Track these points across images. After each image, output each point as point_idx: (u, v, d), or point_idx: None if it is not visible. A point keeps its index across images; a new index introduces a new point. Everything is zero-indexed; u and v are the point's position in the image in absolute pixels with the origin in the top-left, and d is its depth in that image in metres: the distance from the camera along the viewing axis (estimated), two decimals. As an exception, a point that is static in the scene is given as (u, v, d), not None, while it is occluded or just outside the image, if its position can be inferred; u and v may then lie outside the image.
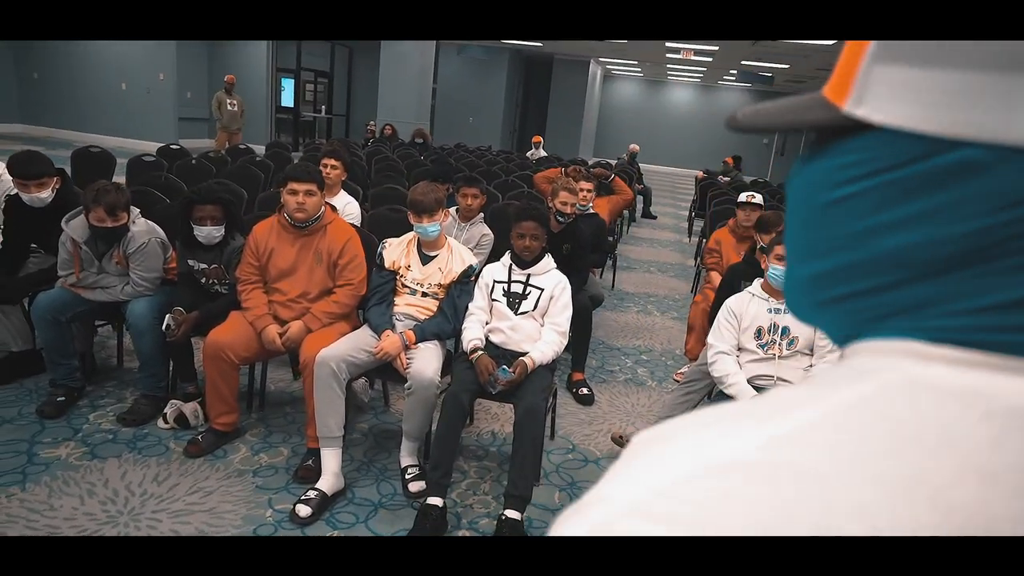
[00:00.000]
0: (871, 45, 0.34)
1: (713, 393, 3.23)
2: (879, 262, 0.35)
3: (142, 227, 2.95)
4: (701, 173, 10.79)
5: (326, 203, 2.93)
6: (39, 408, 2.86)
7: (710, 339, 2.78)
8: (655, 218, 10.84)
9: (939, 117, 0.31)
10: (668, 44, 12.91)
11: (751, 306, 2.70)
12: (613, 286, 6.13)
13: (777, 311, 2.66)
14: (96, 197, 2.74)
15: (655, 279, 6.77)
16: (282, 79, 15.95)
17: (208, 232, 2.86)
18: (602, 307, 5.08)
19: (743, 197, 4.31)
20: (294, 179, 2.74)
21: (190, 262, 2.97)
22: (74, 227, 2.87)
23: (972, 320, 0.33)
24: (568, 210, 3.65)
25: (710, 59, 14.60)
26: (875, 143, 0.34)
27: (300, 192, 2.74)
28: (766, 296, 2.71)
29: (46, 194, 3.02)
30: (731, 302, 2.75)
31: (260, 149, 8.58)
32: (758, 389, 2.54)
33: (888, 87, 0.33)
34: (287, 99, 16.26)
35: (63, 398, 2.90)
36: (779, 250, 2.65)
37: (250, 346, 2.74)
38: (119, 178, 5.12)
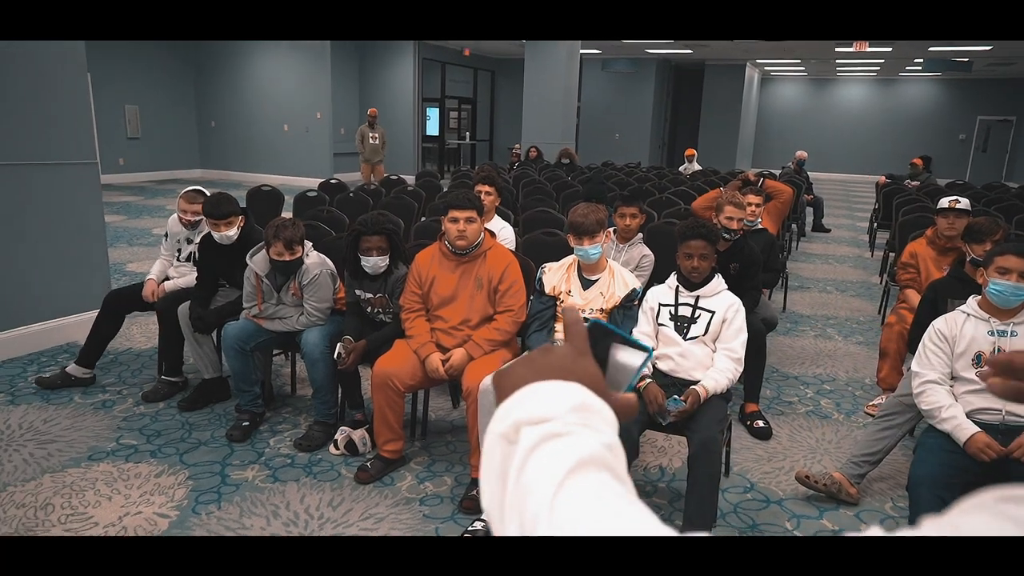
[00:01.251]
0: None
1: (915, 429, 2.96)
2: None
3: (315, 259, 3.24)
4: (883, 178, 10.00)
5: (486, 229, 3.05)
6: (228, 432, 3.21)
7: (915, 367, 2.55)
8: (829, 231, 10.18)
9: None
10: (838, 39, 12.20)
11: (967, 328, 2.45)
12: (785, 308, 5.82)
13: (1002, 333, 2.40)
14: (276, 233, 3.05)
15: (833, 299, 6.34)
16: (427, 108, 16.93)
17: (375, 262, 3.08)
18: (774, 331, 4.84)
19: (944, 203, 3.94)
20: (455, 207, 2.89)
21: (357, 292, 3.21)
22: (257, 262, 3.21)
23: None
24: (735, 226, 3.53)
25: (889, 49, 13.57)
26: None
27: (461, 220, 2.88)
28: (986, 316, 2.44)
29: (233, 232, 3.40)
30: (940, 324, 2.51)
31: (410, 179, 9.14)
32: (980, 425, 2.29)
33: None
34: (432, 128, 17.21)
35: (248, 423, 3.23)
36: (1003, 261, 2.39)
37: (415, 374, 2.90)
38: (287, 213, 5.68)
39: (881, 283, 6.61)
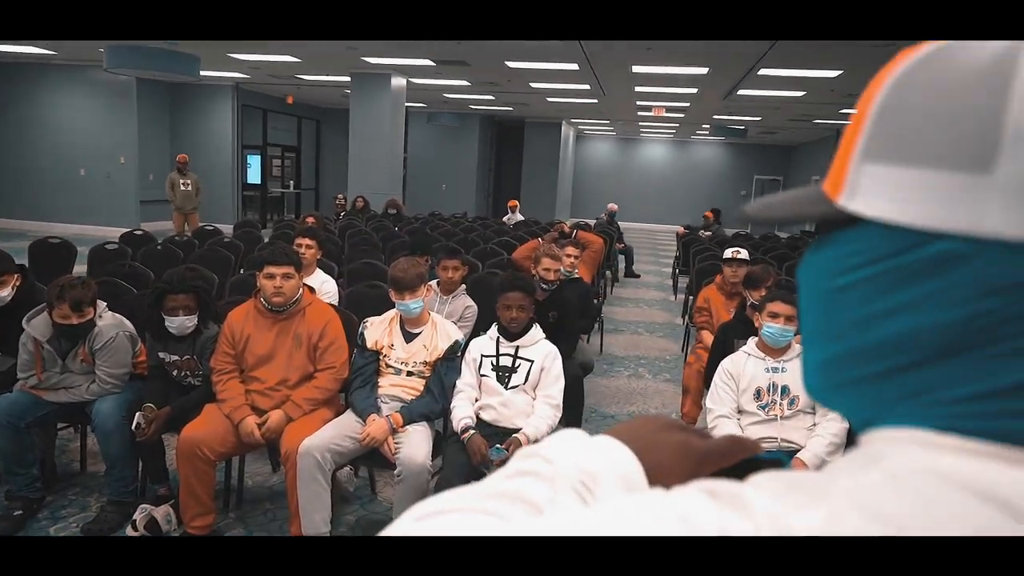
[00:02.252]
0: (859, 143, 0.38)
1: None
2: (883, 346, 0.38)
3: (109, 321, 2.92)
4: (682, 229, 11.02)
5: (304, 285, 2.93)
6: (-4, 524, 2.75)
7: (708, 403, 2.78)
8: (639, 276, 10.97)
9: (921, 212, 0.35)
10: (639, 103, 13.39)
11: (748, 366, 2.72)
12: (601, 350, 6.14)
13: (775, 370, 2.69)
14: (60, 293, 2.71)
15: (644, 340, 6.80)
16: (248, 156, 16.20)
17: (180, 323, 2.84)
18: (592, 373, 5.07)
19: (728, 253, 4.40)
20: (271, 262, 2.76)
21: (161, 355, 2.93)
22: (36, 326, 2.83)
23: (973, 407, 0.36)
24: (552, 276, 3.70)
25: (682, 115, 15.12)
26: (869, 235, 0.38)
27: (278, 275, 2.75)
28: (762, 355, 2.73)
29: (5, 292, 2.99)
30: (727, 363, 2.77)
31: (228, 229, 8.63)
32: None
33: (876, 183, 0.37)
34: (254, 176, 16.47)
35: (20, 511, 2.80)
36: (773, 307, 2.69)
37: (227, 440, 2.69)
38: (80, 268, 5.12)
39: (683, 324, 7.21)
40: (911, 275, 0.36)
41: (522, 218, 11.40)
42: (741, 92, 10.98)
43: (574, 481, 0.44)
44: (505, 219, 11.42)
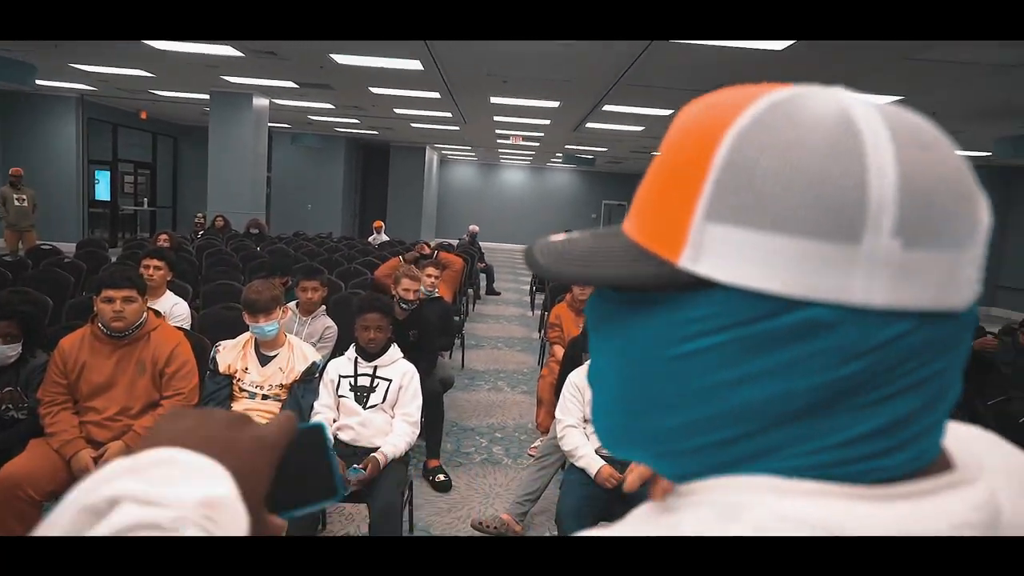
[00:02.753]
0: (701, 202, 0.34)
1: (566, 465, 3.28)
2: (733, 415, 0.35)
3: (-84, 351, 2.53)
4: (538, 249, 11.27)
5: (148, 308, 2.69)
6: None
7: (558, 414, 2.85)
8: (499, 294, 11.11)
9: (784, 278, 0.33)
10: (498, 131, 13.65)
11: (574, 377, 2.82)
12: (463, 365, 6.14)
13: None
14: None
15: (503, 354, 6.88)
16: (96, 171, 14.76)
17: (2, 351, 2.50)
18: (453, 388, 5.05)
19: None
20: (109, 286, 2.50)
21: (-21, 386, 2.57)
22: None
23: (821, 458, 0.35)
24: (411, 296, 3.64)
25: (537, 143, 15.59)
26: (722, 300, 0.34)
27: (117, 299, 2.49)
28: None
29: None
30: (574, 376, 2.85)
31: (71, 248, 7.80)
32: (606, 459, 2.62)
33: (728, 247, 0.34)
34: (102, 192, 15.03)
35: None
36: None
37: (56, 477, 2.38)
38: None
39: (539, 339, 7.37)
40: (770, 342, 0.34)
41: (387, 238, 11.23)
42: (589, 125, 11.50)
43: (199, 523, 0.36)
44: (371, 239, 11.19)
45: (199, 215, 10.96)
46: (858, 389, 0.34)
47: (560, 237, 0.42)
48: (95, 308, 2.54)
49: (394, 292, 3.67)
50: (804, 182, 0.32)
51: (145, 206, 16.52)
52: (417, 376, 2.85)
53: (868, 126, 0.33)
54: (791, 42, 5.41)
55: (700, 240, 0.34)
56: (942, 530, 0.32)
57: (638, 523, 0.39)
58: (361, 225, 19.21)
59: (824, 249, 0.32)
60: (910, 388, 0.34)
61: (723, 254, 0.34)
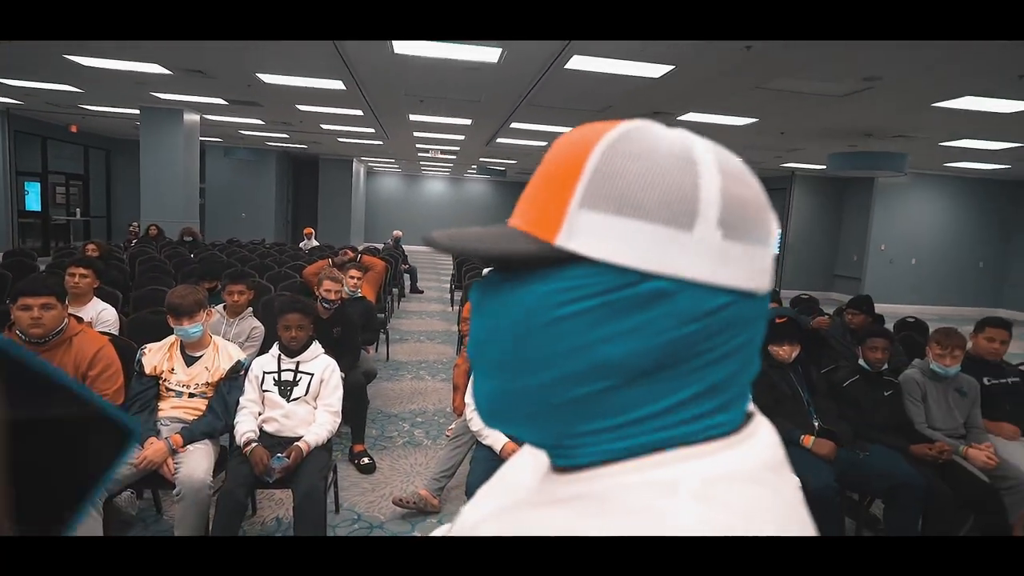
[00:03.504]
0: (575, 194, 0.38)
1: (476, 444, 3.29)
2: (598, 370, 0.38)
3: None
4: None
5: (69, 315, 2.48)
6: None
7: (467, 399, 2.84)
8: (422, 292, 10.99)
9: (639, 255, 0.37)
10: (418, 146, 13.48)
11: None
12: (388, 358, 6.03)
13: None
14: None
15: (425, 347, 6.81)
16: (26, 183, 13.51)
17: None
18: (378, 379, 4.97)
19: (485, 272, 4.56)
20: (26, 294, 2.29)
21: None
22: None
23: (670, 418, 0.39)
24: (333, 296, 3.54)
25: (454, 157, 15.50)
26: (590, 272, 0.38)
27: (35, 307, 2.29)
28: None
29: None
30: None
31: (-2, 258, 7.10)
32: (509, 437, 2.64)
33: (595, 228, 0.37)
34: (32, 203, 13.77)
35: None
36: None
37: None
38: None
39: (457, 331, 7.35)
40: (628, 307, 0.37)
41: (317, 244, 10.87)
42: (500, 140, 11.55)
43: None
44: (301, 245, 10.80)
45: (133, 224, 10.24)
46: (691, 350, 0.38)
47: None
48: (12, 316, 2.32)
49: (317, 293, 3.56)
50: (655, 181, 0.37)
51: (77, 216, 15.25)
52: (337, 369, 2.77)
53: (700, 147, 0.39)
54: (670, 68, 5.62)
55: (573, 223, 0.38)
56: (756, 466, 0.38)
57: (548, 515, 0.39)
58: (293, 232, 18.50)
59: (668, 233, 0.37)
60: (728, 355, 0.39)
61: (592, 234, 0.37)
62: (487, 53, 5.56)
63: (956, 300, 12.96)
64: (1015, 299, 12.82)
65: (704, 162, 0.38)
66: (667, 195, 0.37)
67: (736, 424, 0.40)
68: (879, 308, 4.46)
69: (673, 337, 0.38)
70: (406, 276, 10.54)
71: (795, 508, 0.38)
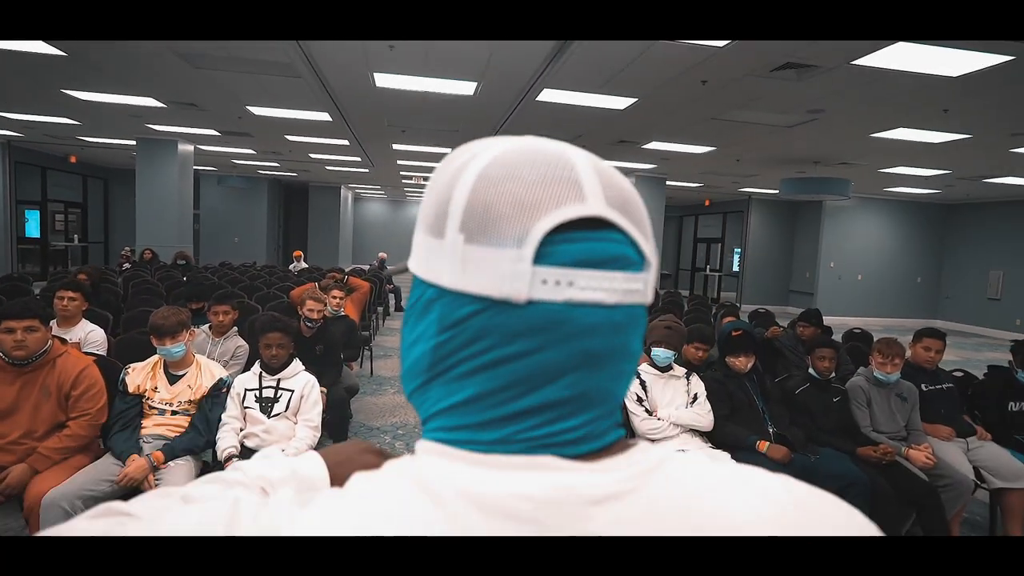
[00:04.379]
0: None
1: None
2: (413, 367, 0.40)
3: None
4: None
5: (53, 336, 2.39)
6: None
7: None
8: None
9: (420, 266, 0.39)
10: (402, 173, 13.47)
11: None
12: (372, 373, 5.94)
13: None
14: None
15: (408, 362, 6.72)
16: (26, 211, 13.20)
17: None
18: (362, 393, 4.88)
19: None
20: (9, 317, 2.21)
21: None
22: None
23: (444, 420, 0.37)
24: (315, 316, 3.48)
25: (436, 184, 15.52)
26: (415, 283, 0.40)
27: (18, 330, 2.20)
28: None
29: None
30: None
31: (-7, 282, 6.87)
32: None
33: (414, 247, 0.40)
34: (32, 230, 13.44)
35: None
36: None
37: (-44, 502, 2.07)
38: None
39: (440, 346, 7.25)
40: (419, 314, 0.39)
41: (306, 265, 10.75)
42: (478, 168, 11.59)
43: (253, 483, 0.46)
44: (291, 267, 10.66)
45: (126, 249, 10.04)
46: (450, 359, 0.37)
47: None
48: (-4, 339, 2.23)
49: (301, 312, 3.50)
50: (432, 194, 0.38)
51: (76, 242, 14.90)
52: (317, 386, 2.71)
53: (481, 156, 0.38)
54: (633, 100, 5.71)
55: (414, 244, 0.40)
56: (500, 493, 0.34)
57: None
58: (284, 254, 18.29)
59: (433, 243, 0.37)
60: (485, 367, 0.36)
61: (413, 252, 0.40)
62: (463, 87, 5.59)
63: (897, 312, 13.24)
64: (949, 311, 13.14)
65: (469, 169, 0.37)
66: (436, 207, 0.38)
67: (515, 449, 0.35)
68: (829, 320, 4.53)
69: (435, 344, 0.37)
70: (391, 295, 10.45)
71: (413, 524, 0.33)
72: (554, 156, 0.37)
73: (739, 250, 15.03)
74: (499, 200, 0.35)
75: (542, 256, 0.34)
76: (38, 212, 13.47)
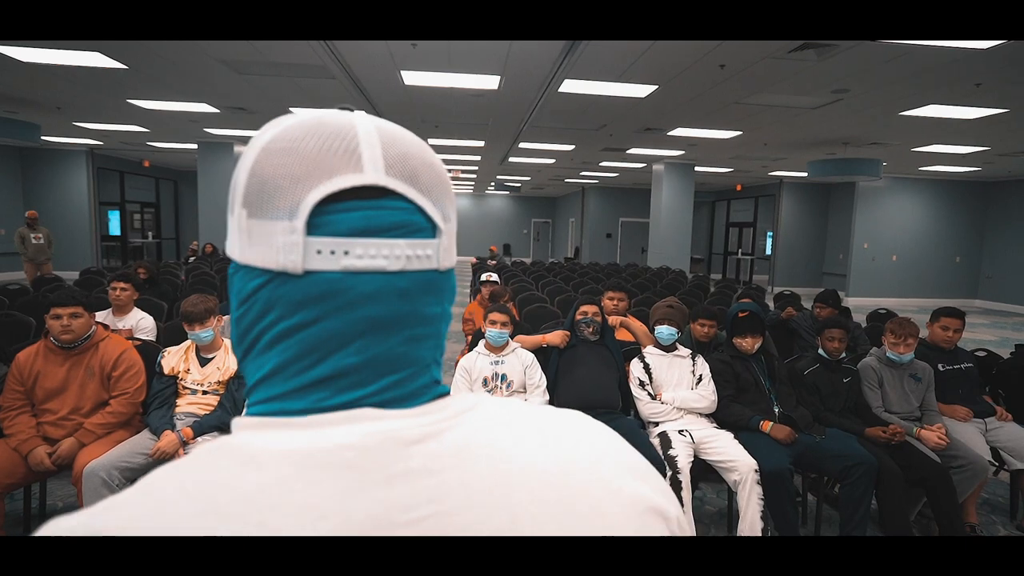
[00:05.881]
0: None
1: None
2: (238, 336, 0.38)
3: None
4: (474, 259, 11.23)
5: (96, 323, 2.50)
6: None
7: (452, 391, 2.79)
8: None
9: (226, 242, 0.38)
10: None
11: (478, 362, 2.77)
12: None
13: (497, 363, 2.76)
14: None
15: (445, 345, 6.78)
16: (108, 211, 13.98)
17: (-39, 366, 2.29)
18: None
19: (483, 277, 4.52)
20: (56, 304, 2.32)
21: (-54, 398, 2.34)
22: None
23: (259, 393, 0.36)
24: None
25: (474, 176, 15.53)
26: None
27: (64, 316, 2.32)
28: (488, 352, 2.80)
29: None
30: (463, 361, 2.80)
31: (75, 275, 7.30)
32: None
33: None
34: (114, 228, 14.24)
35: None
36: (492, 316, 2.77)
37: (14, 472, 2.20)
38: None
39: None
40: (230, 289, 0.38)
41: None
42: (512, 159, 11.51)
43: None
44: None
45: (193, 243, 10.47)
46: (252, 332, 0.35)
47: None
48: (47, 325, 2.35)
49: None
50: (233, 173, 0.38)
51: (150, 238, 15.70)
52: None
53: (262, 135, 0.36)
54: (654, 88, 5.52)
55: None
56: (319, 448, 0.32)
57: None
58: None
59: (229, 219, 0.37)
60: (279, 339, 0.34)
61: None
62: (487, 80, 5.52)
63: (936, 293, 12.46)
64: (990, 291, 12.27)
65: (254, 145, 0.36)
66: (233, 186, 0.37)
67: (303, 413, 0.33)
68: (863, 302, 4.23)
69: (236, 317, 0.36)
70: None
71: (231, 502, 0.30)
72: (337, 127, 0.35)
73: (771, 233, 14.44)
74: (274, 174, 0.34)
75: (318, 227, 0.33)
76: (118, 212, 14.24)
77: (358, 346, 0.34)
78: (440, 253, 0.37)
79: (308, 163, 0.34)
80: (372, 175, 0.34)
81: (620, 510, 0.35)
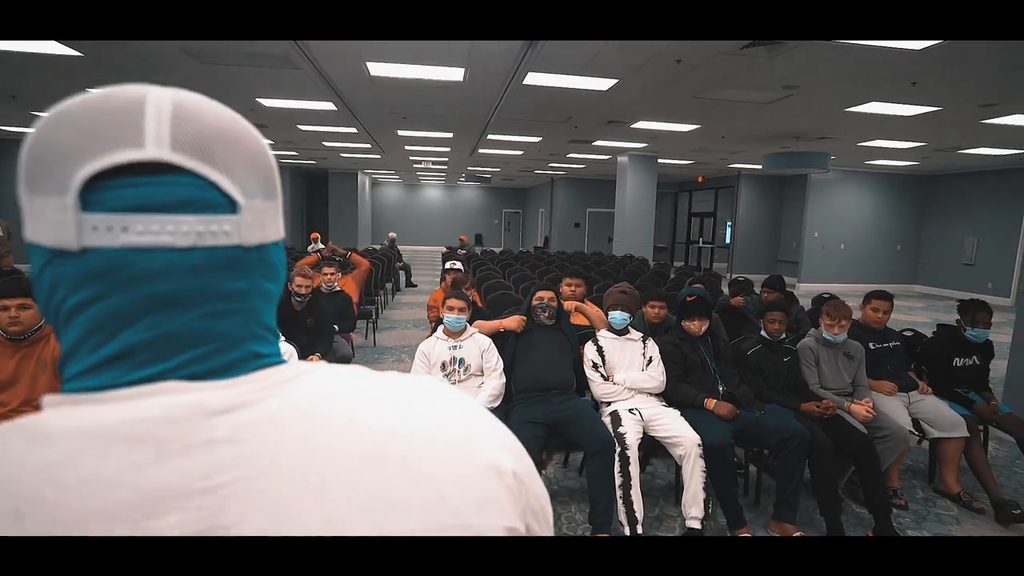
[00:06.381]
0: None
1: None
2: (49, 315, 0.37)
3: None
4: (445, 248, 11.17)
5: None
6: None
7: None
8: (416, 286, 10.93)
9: (26, 229, 0.35)
10: (411, 158, 13.36)
11: (436, 346, 2.79)
12: (375, 343, 5.98)
13: (455, 347, 2.78)
14: None
15: (411, 333, 6.76)
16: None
17: (-95, 358, 2.19)
18: (363, 361, 4.92)
19: (447, 264, 4.51)
20: (3, 296, 2.23)
21: None
22: None
23: (67, 371, 0.35)
24: (303, 291, 3.49)
25: (444, 167, 15.39)
26: None
27: (12, 307, 2.23)
28: (446, 338, 2.81)
29: None
30: (422, 346, 2.81)
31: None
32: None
33: None
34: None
35: None
36: (450, 303, 2.78)
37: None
38: None
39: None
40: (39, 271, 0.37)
41: (322, 246, 10.76)
42: (481, 151, 11.45)
43: None
44: (309, 248, 10.70)
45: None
46: (48, 310, 0.35)
47: None
48: (-5, 317, 2.26)
49: (290, 288, 3.50)
50: None
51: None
52: (295, 355, 2.72)
53: (53, 116, 0.34)
54: (614, 81, 5.55)
55: None
56: (116, 421, 0.32)
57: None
58: (305, 237, 18.37)
59: (32, 201, 0.34)
60: (70, 316, 0.34)
61: None
62: (452, 73, 5.48)
63: (879, 278, 12.97)
64: (927, 276, 12.86)
65: (42, 125, 0.34)
66: None
67: (105, 390, 0.33)
68: (815, 287, 4.39)
69: (35, 294, 0.36)
70: (401, 272, 10.48)
71: (12, 479, 0.30)
72: (123, 102, 0.34)
73: (730, 223, 14.76)
74: (47, 150, 0.33)
75: (94, 203, 0.32)
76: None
77: (148, 323, 0.33)
78: (243, 229, 0.36)
79: (81, 138, 0.33)
80: (154, 150, 0.33)
81: (447, 468, 0.35)
